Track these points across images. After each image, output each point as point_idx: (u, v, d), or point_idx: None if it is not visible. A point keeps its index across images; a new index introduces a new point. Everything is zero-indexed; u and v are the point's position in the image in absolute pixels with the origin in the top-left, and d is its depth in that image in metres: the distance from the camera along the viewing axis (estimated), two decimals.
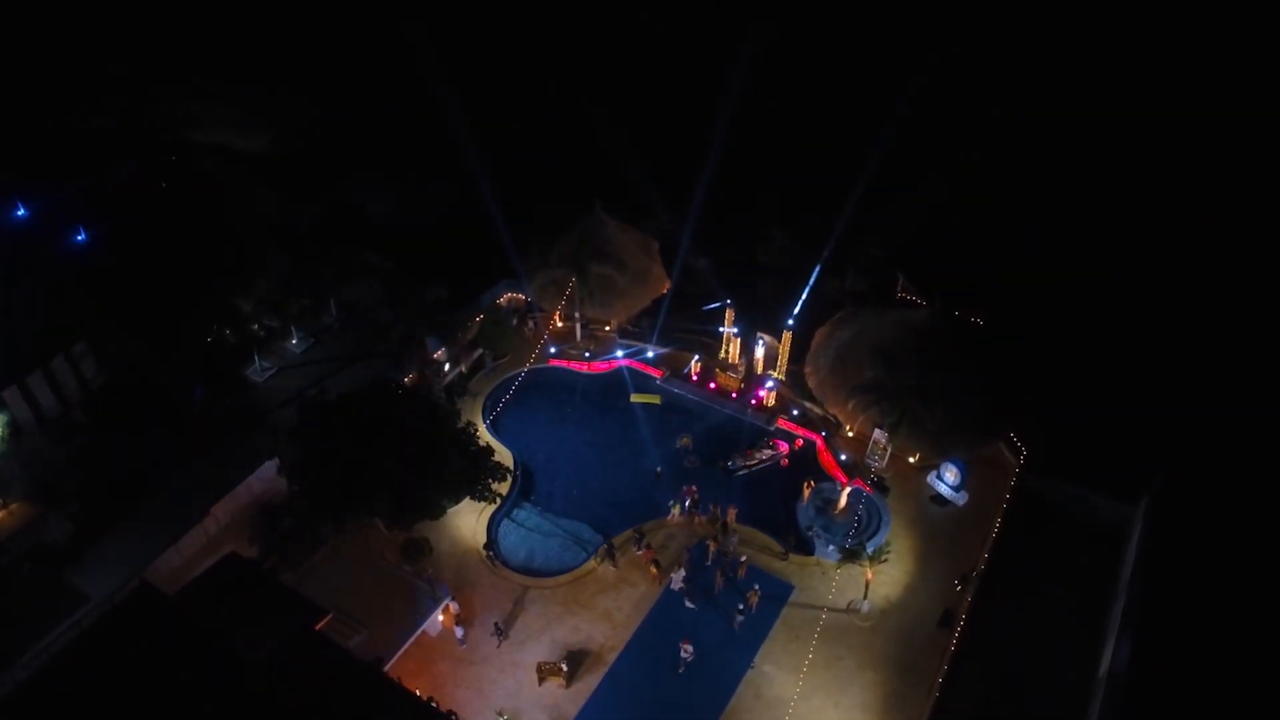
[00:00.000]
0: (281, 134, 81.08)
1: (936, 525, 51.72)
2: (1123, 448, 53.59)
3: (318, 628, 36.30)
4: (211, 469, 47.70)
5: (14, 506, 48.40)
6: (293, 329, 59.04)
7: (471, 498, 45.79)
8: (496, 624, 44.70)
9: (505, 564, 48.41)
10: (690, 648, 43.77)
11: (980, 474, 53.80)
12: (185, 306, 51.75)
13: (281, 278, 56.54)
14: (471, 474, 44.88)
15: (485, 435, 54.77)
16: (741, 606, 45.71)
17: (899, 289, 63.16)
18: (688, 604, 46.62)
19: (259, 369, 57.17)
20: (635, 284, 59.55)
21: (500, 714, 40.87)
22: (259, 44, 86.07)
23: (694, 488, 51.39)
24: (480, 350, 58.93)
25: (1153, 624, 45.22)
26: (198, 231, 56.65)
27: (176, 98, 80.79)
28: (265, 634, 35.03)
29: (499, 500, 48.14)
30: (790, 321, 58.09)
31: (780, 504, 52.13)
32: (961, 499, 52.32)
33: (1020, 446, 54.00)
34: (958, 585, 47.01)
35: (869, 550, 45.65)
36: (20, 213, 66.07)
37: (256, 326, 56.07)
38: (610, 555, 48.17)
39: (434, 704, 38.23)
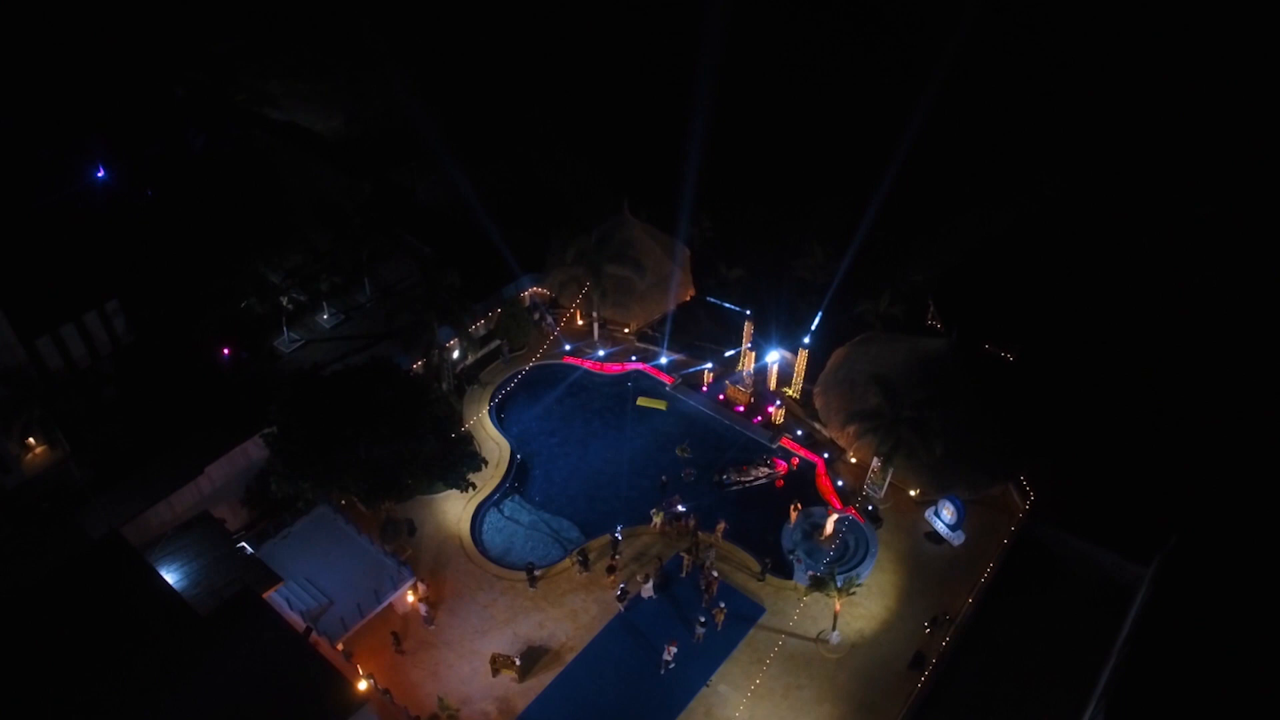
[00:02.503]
0: (356, 118, 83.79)
1: (927, 563, 49.95)
2: (1140, 504, 50.96)
3: (265, 595, 37.60)
4: (216, 430, 49.81)
5: (40, 450, 51.78)
6: (324, 304, 61.12)
7: (445, 484, 46.56)
8: (394, 633, 44.33)
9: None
10: (675, 650, 43.58)
11: (984, 515, 51.77)
12: (211, 271, 54.21)
13: (314, 253, 58.51)
14: (446, 461, 45.63)
15: (487, 425, 55.78)
16: (703, 619, 45.22)
17: (929, 316, 61.22)
18: (619, 604, 46.56)
19: (287, 340, 59.39)
20: (656, 288, 59.47)
21: (441, 699, 41.47)
22: (347, 31, 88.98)
23: (678, 498, 51.06)
24: (496, 341, 59.81)
25: (1134, 698, 42.97)
26: (237, 202, 59.20)
27: (259, 75, 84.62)
28: (213, 594, 36.58)
29: (472, 488, 48.79)
30: (806, 340, 57.04)
31: (768, 523, 51.23)
32: (958, 539, 50.37)
33: (1029, 491, 51.66)
34: (927, 628, 45.32)
35: (838, 581, 44.42)
36: (100, 174, 71.06)
37: (285, 300, 58.19)
38: (583, 561, 48.19)
39: (371, 681, 39.36)
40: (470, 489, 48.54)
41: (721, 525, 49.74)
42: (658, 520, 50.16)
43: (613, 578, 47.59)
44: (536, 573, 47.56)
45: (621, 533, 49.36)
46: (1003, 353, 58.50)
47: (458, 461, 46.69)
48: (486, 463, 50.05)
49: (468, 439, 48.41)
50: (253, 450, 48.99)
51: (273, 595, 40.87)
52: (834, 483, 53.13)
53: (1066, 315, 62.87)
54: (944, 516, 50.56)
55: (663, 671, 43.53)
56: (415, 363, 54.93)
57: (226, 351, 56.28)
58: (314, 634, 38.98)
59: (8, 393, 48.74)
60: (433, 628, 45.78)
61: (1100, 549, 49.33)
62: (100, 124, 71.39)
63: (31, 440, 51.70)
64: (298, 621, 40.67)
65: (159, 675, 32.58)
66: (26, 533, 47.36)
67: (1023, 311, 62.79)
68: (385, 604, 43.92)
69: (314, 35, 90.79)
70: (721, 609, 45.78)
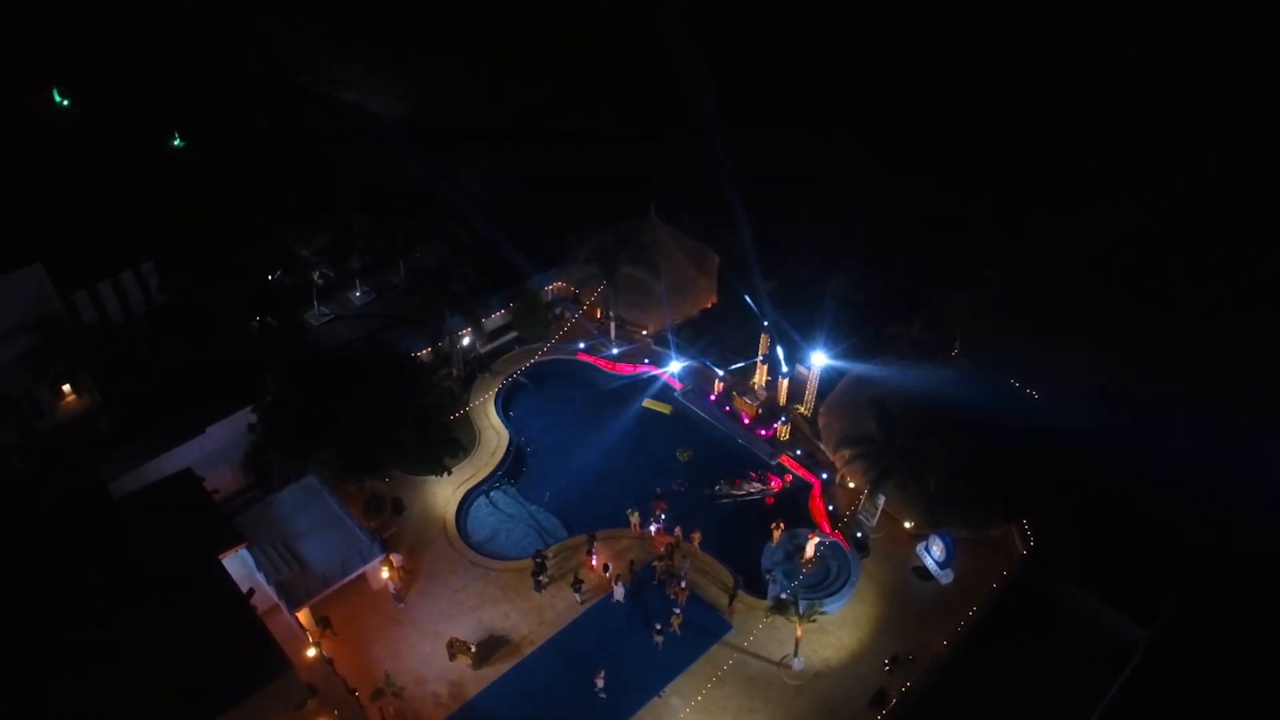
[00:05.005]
0: (422, 104, 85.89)
1: (910, 599, 48.07)
2: (1150, 563, 47.83)
3: (225, 555, 39.08)
4: (226, 393, 51.83)
5: (72, 398, 55.05)
6: (356, 282, 63.05)
7: (422, 466, 47.37)
8: (325, 616, 44.28)
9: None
10: (602, 681, 42.72)
11: (981, 556, 49.50)
12: (240, 241, 56.76)
13: (348, 232, 60.38)
14: (425, 447, 46.44)
15: (490, 413, 56.47)
16: (660, 626, 44.74)
17: (954, 345, 58.86)
18: (576, 595, 46.58)
19: (317, 314, 61.58)
20: (674, 292, 59.03)
21: (388, 675, 42.25)
22: (422, 19, 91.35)
23: (664, 505, 50.58)
24: (514, 332, 60.52)
25: None
26: (280, 177, 61.72)
27: (339, 58, 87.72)
28: (174, 551, 38.21)
29: (447, 474, 49.50)
30: (817, 357, 55.56)
31: (754, 540, 50.15)
32: (946, 577, 48.33)
33: (1030, 536, 49.15)
34: (886, 665, 43.62)
35: (800, 607, 43.21)
36: (176, 143, 75.39)
37: (316, 275, 60.26)
38: (541, 569, 47.76)
39: (319, 649, 40.49)
40: (446, 474, 49.28)
41: (697, 535, 49.09)
42: (634, 520, 49.85)
43: (608, 574, 47.48)
44: (543, 578, 47.48)
45: (596, 534, 49.13)
46: (1028, 390, 55.79)
47: (437, 446, 47.41)
48: (466, 450, 50.70)
49: (450, 426, 49.04)
50: (251, 417, 50.72)
51: (243, 556, 42.47)
52: (827, 506, 51.71)
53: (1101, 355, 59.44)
54: (934, 553, 48.60)
55: (604, 696, 42.71)
56: (424, 349, 55.99)
57: (256, 319, 58.72)
58: (256, 597, 40.06)
59: (43, 341, 52.18)
60: (402, 606, 46.74)
61: (1100, 603, 46.62)
62: (180, 96, 75.74)
63: (66, 388, 55.20)
64: (260, 584, 42.22)
65: (90, 626, 34.37)
66: (48, 476, 50.52)
67: (1057, 348, 59.71)
68: (351, 577, 44.95)
69: (397, 24, 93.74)
70: (677, 615, 45.20)
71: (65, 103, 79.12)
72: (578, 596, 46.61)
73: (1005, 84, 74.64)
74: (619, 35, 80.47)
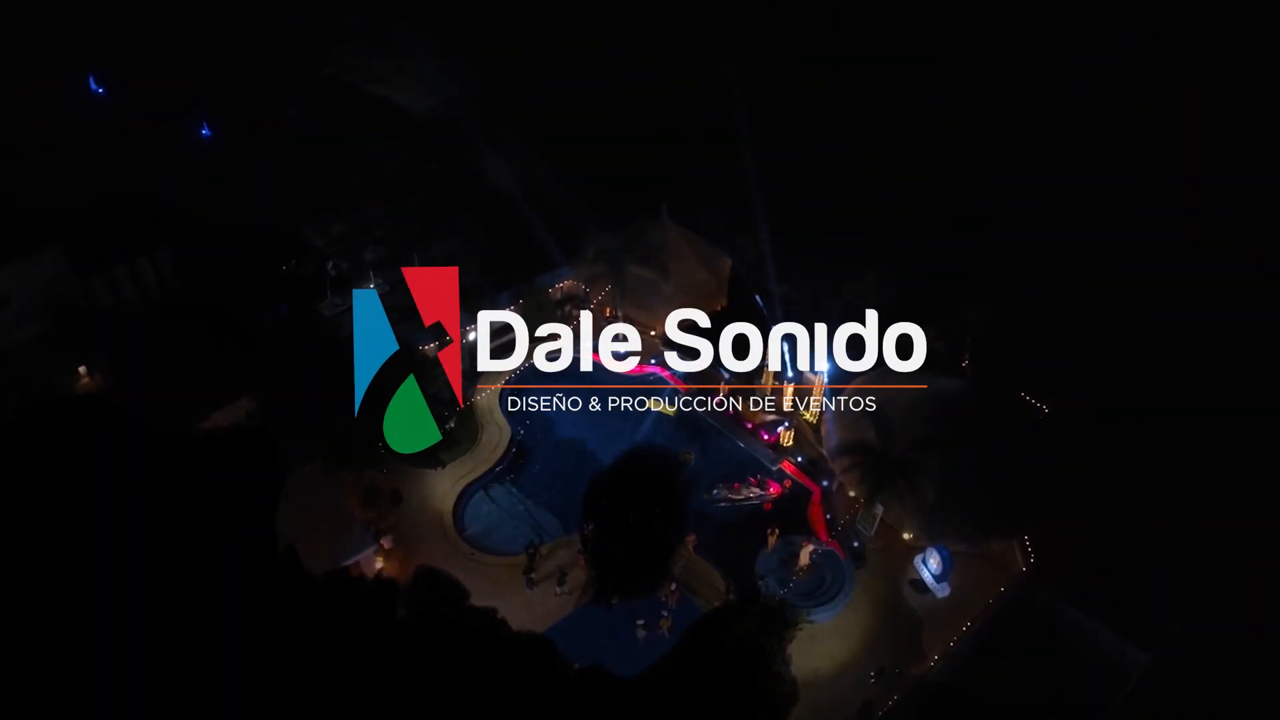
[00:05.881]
0: (451, 100, 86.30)
1: (904, 612, 47.52)
2: (1154, 585, 46.66)
3: None
4: (231, 379, 52.58)
5: (87, 380, 56.29)
6: (371, 274, 63.63)
7: (417, 458, 47.74)
8: None
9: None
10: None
11: (981, 572, 48.80)
12: (254, 228, 57.75)
13: (363, 224, 61.04)
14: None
15: (494, 408, 56.75)
16: (642, 621, 44.75)
17: (965, 355, 57.92)
18: (557, 590, 46.78)
19: (330, 304, 62.23)
20: (683, 294, 58.66)
21: None
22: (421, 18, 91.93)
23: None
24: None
25: None
26: (299, 169, 62.66)
27: (371, 51, 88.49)
28: None
29: (441, 467, 49.80)
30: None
31: (750, 545, 49.80)
32: (942, 591, 47.68)
33: (1030, 553, 48.30)
34: (872, 678, 43.10)
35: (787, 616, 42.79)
36: (205, 132, 76.71)
37: (330, 266, 60.95)
38: (532, 565, 47.96)
39: None
40: (440, 467, 49.57)
41: (692, 538, 48.91)
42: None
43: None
44: (533, 575, 47.76)
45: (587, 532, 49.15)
46: (1038, 403, 54.77)
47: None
48: (464, 445, 51.10)
49: (449, 420, 49.39)
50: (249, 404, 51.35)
51: None
52: (826, 514, 51.21)
53: (1124, 372, 58.03)
54: (930, 566, 47.96)
55: None
56: (431, 342, 56.36)
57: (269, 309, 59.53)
58: None
59: (59, 323, 53.43)
60: None
61: (1098, 624, 45.73)
62: (210, 86, 76.96)
63: (82, 370, 56.42)
64: None
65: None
66: None
67: (1077, 363, 58.45)
68: (341, 567, 45.24)
69: (436, 17, 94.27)
70: (666, 617, 45.03)
71: (100, 90, 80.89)
72: (557, 589, 46.72)
73: (1005, 84, 73.00)
74: (619, 35, 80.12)
